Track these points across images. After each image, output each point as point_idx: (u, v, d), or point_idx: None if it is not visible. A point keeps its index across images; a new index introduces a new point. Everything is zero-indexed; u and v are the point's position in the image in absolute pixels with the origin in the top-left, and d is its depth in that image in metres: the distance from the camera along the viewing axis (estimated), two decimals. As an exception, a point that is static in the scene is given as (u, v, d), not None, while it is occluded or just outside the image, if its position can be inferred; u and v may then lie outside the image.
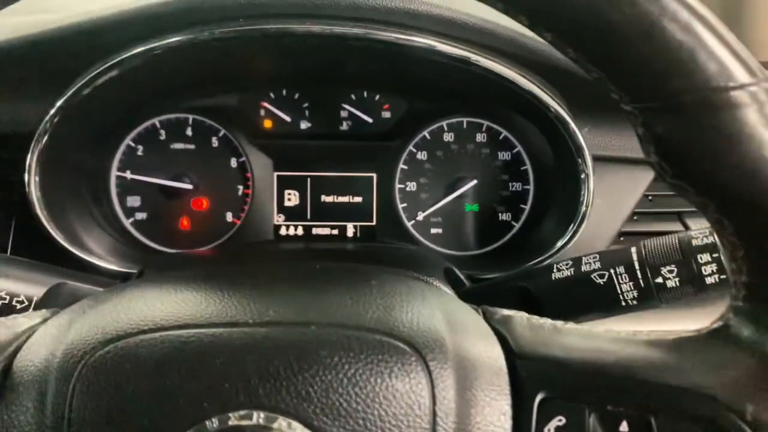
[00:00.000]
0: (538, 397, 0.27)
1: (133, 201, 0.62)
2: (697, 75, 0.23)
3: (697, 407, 0.25)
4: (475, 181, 0.62)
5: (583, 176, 0.54)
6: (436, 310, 0.29)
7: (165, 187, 0.61)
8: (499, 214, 0.63)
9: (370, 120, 0.63)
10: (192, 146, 0.62)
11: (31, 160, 0.51)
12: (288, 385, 0.25)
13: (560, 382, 0.27)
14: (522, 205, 0.63)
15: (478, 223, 0.63)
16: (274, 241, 0.63)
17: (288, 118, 0.63)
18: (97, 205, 0.60)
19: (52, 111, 0.50)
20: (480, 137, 0.62)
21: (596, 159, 0.55)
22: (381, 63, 0.59)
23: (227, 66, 0.58)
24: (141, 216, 0.62)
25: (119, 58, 0.50)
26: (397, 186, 0.63)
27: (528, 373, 0.27)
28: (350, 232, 0.64)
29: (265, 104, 0.62)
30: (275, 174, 0.63)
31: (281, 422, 0.24)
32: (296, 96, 0.63)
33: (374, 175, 0.63)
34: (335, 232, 0.64)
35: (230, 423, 0.24)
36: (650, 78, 0.23)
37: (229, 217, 0.63)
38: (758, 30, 0.68)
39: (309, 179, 0.63)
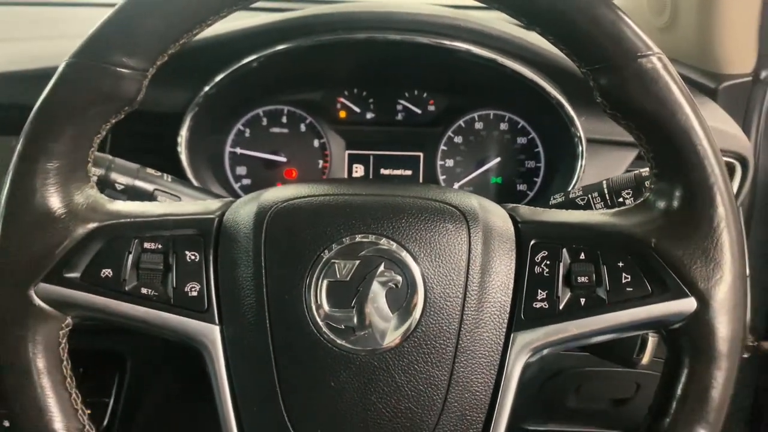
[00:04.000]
0: (531, 242, 0.45)
1: (241, 170, 0.83)
2: (621, 48, 0.41)
3: (626, 243, 0.44)
4: (498, 159, 0.81)
5: (578, 150, 0.73)
6: (472, 197, 0.48)
7: (265, 160, 0.82)
8: (517, 185, 0.82)
9: (419, 111, 0.83)
10: (286, 130, 0.83)
11: (183, 133, 0.73)
12: (388, 224, 0.44)
13: (544, 233, 0.45)
14: (535, 179, 0.82)
15: (500, 192, 0.82)
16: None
17: (358, 110, 0.83)
18: (215, 171, 0.81)
19: (199, 96, 0.72)
20: (503, 125, 0.82)
21: (589, 141, 0.74)
22: (429, 68, 0.79)
23: (315, 68, 0.79)
24: (246, 182, 0.83)
25: (244, 61, 0.71)
26: (439, 162, 0.82)
27: (525, 230, 0.46)
28: (402, 198, 0.83)
29: (341, 99, 0.83)
30: (347, 152, 0.83)
31: (384, 240, 0.43)
32: (364, 93, 0.83)
33: (421, 154, 0.83)
34: (390, 197, 0.83)
35: (356, 240, 0.43)
36: (593, 50, 0.42)
37: (311, 183, 0.83)
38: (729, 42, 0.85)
39: (372, 157, 0.83)
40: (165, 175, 0.62)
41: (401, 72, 0.81)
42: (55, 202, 0.43)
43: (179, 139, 0.73)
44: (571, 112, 0.71)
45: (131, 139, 0.72)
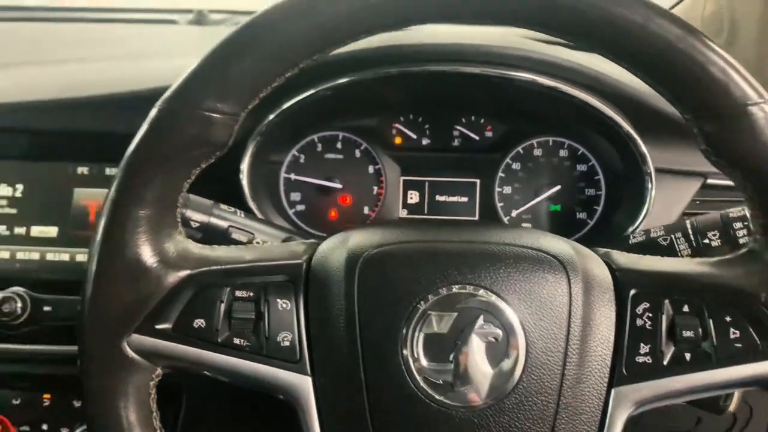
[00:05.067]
0: (631, 293, 0.44)
1: (296, 196, 0.82)
2: (731, 96, 0.40)
3: (733, 296, 0.42)
4: (558, 187, 0.80)
5: (647, 184, 0.71)
6: (565, 243, 0.47)
7: (320, 186, 0.81)
8: (577, 213, 0.81)
9: (476, 137, 0.82)
10: (341, 156, 0.82)
11: (246, 161, 0.72)
12: (485, 274, 0.43)
13: (644, 283, 0.44)
14: (595, 207, 0.80)
15: (559, 220, 0.81)
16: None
17: (413, 136, 0.82)
18: (271, 198, 0.80)
19: (262, 125, 0.71)
20: (562, 152, 0.80)
21: (657, 170, 0.72)
22: (488, 94, 0.78)
23: (373, 96, 0.78)
24: (301, 208, 0.82)
25: (312, 91, 0.70)
26: (496, 190, 0.81)
27: (624, 279, 0.45)
28: (458, 225, 0.82)
29: (397, 125, 0.82)
30: (402, 178, 0.82)
31: (482, 291, 0.42)
32: (420, 119, 0.82)
33: (477, 181, 0.82)
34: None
35: (453, 291, 0.42)
36: (699, 97, 0.40)
37: (366, 210, 0.82)
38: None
39: (427, 183, 0.82)
40: (238, 211, 0.61)
41: (458, 98, 0.80)
42: (146, 251, 0.42)
43: (242, 167, 0.72)
44: (644, 149, 0.70)
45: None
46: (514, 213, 0.81)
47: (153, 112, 0.43)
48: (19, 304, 0.71)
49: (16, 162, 0.74)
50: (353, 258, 0.44)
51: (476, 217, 0.82)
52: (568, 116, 0.76)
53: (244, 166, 0.72)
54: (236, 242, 0.58)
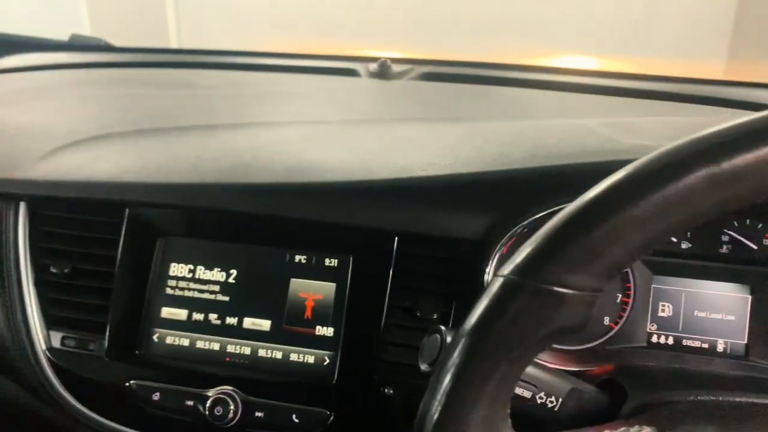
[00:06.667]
0: None
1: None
2: None
3: None
4: None
5: None
6: None
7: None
8: None
9: (753, 246, 0.68)
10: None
11: (492, 263, 0.63)
12: None
13: None
14: None
15: None
16: (647, 348, 0.69)
17: (673, 239, 0.69)
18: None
19: (517, 227, 0.61)
20: None
21: None
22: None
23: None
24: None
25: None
26: (775, 310, 0.67)
27: None
28: (720, 348, 0.68)
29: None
30: (653, 286, 0.70)
31: None
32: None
33: (749, 297, 0.68)
34: (705, 345, 0.69)
35: None
36: None
37: (606, 320, 0.70)
38: None
39: (684, 294, 0.69)
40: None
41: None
42: None
43: (487, 269, 0.63)
44: None
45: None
46: (796, 341, 0.66)
47: (496, 286, 0.35)
48: (231, 407, 0.64)
49: (231, 245, 0.68)
50: None
51: (745, 341, 0.68)
52: None
53: (490, 268, 0.62)
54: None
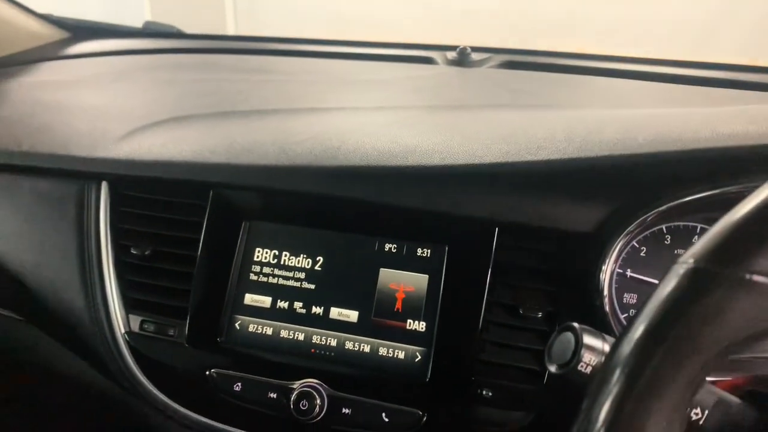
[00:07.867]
0: None
1: (629, 297, 0.66)
2: None
3: None
4: None
5: None
6: None
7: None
8: None
9: None
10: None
11: (609, 261, 0.57)
12: None
13: None
14: None
15: None
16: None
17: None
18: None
19: (637, 221, 0.56)
20: None
21: None
22: None
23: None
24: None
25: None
26: None
27: None
28: None
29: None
30: None
31: None
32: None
33: None
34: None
35: None
36: None
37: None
38: None
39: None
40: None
41: None
42: None
43: (603, 266, 0.57)
44: None
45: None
46: None
47: (678, 274, 0.30)
48: (317, 401, 0.60)
49: (318, 231, 0.65)
50: None
51: None
52: None
53: (606, 266, 0.57)
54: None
